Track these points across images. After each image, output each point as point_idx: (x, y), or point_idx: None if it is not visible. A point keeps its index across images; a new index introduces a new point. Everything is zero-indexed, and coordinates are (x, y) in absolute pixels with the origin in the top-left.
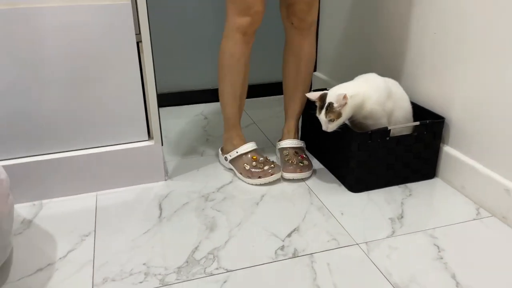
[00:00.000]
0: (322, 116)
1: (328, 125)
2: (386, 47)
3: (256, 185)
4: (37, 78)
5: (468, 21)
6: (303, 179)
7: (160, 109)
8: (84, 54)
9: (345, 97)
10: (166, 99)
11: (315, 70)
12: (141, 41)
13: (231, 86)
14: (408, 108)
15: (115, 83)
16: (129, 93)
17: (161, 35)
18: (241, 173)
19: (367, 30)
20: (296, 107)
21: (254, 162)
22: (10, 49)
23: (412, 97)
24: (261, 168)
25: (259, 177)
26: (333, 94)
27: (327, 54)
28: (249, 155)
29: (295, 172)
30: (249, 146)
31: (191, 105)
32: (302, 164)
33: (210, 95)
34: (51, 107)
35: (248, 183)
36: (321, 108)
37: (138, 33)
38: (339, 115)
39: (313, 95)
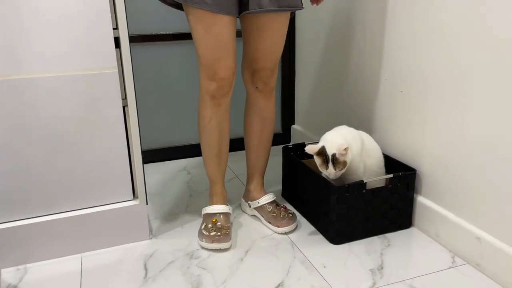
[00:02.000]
0: (330, 169)
1: (336, 174)
2: (359, 102)
3: (203, 248)
4: (25, 142)
5: (430, 79)
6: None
7: (144, 165)
8: (72, 119)
9: (346, 148)
10: (150, 156)
11: (293, 123)
12: (127, 106)
13: (207, 145)
14: (380, 159)
15: (102, 146)
16: (115, 154)
17: (145, 95)
18: (198, 231)
19: (341, 86)
20: (263, 165)
21: (210, 225)
22: (2, 115)
23: (385, 150)
24: (208, 233)
25: (204, 241)
26: (333, 146)
27: (303, 107)
28: (212, 217)
29: (289, 224)
30: (221, 208)
31: (174, 160)
32: (291, 215)
33: (193, 150)
34: (38, 171)
35: (198, 243)
36: (326, 162)
37: (124, 98)
38: (345, 163)
39: (312, 150)
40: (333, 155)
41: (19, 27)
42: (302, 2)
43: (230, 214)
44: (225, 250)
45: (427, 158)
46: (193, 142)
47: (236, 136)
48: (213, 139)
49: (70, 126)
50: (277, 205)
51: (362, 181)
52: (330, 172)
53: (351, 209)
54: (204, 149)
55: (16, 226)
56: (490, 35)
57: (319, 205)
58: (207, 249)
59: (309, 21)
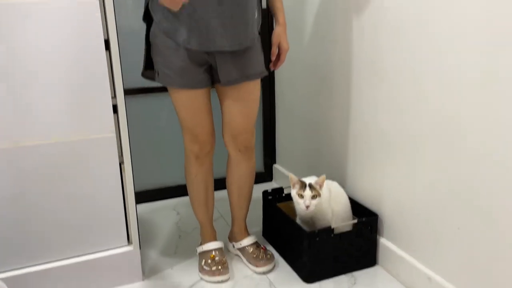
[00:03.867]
0: (307, 192)
1: (311, 201)
2: (331, 149)
3: (206, 281)
4: (26, 197)
5: (389, 136)
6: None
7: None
8: (71, 175)
9: (323, 178)
10: (140, 197)
11: (275, 163)
12: (123, 162)
13: (195, 196)
14: (346, 204)
15: (99, 196)
16: (111, 204)
17: (136, 139)
18: (199, 267)
19: (315, 133)
20: (244, 211)
21: (209, 260)
22: (6, 179)
23: (352, 194)
24: (209, 268)
25: (207, 275)
26: (311, 179)
27: (283, 148)
28: (209, 253)
29: (266, 264)
30: (214, 245)
31: (164, 200)
32: (269, 256)
33: (181, 190)
34: (37, 221)
35: (201, 278)
36: (303, 188)
37: (121, 155)
38: (319, 193)
39: (293, 178)
40: (310, 183)
41: (26, 99)
42: (271, 72)
43: (223, 247)
44: (226, 281)
45: (387, 203)
46: (181, 183)
47: (219, 176)
48: (200, 191)
49: (69, 181)
50: (258, 246)
51: (330, 226)
52: (306, 197)
53: (321, 252)
54: (192, 199)
55: (12, 276)
56: (433, 107)
57: (294, 248)
58: (211, 282)
59: (287, 72)
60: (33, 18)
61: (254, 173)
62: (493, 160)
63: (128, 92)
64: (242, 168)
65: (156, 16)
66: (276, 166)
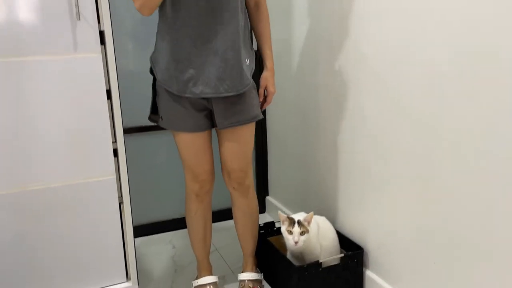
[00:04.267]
0: (296, 229)
1: (299, 237)
2: (321, 186)
3: None
4: (28, 234)
5: (372, 177)
6: None
7: None
8: (72, 215)
9: (311, 215)
10: (137, 230)
11: (267, 195)
12: (122, 202)
13: (194, 232)
14: (334, 239)
15: (98, 236)
16: (111, 242)
17: (134, 175)
18: None
19: (306, 169)
20: (250, 247)
21: None
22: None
23: (340, 228)
24: None
25: None
26: (300, 215)
27: (276, 180)
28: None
29: None
30: (209, 279)
31: (160, 234)
32: None
33: (177, 224)
34: (38, 262)
35: None
36: (292, 224)
37: (120, 196)
38: (307, 230)
39: (283, 216)
40: (299, 220)
41: (31, 145)
42: (263, 111)
43: (217, 282)
44: None
45: (372, 237)
46: (177, 216)
47: (215, 209)
48: (199, 227)
49: (71, 221)
50: (253, 284)
51: (318, 261)
52: (294, 234)
53: (310, 286)
54: (191, 234)
55: None
56: (408, 149)
57: (284, 281)
58: None
59: (278, 108)
60: (40, 72)
61: (255, 211)
62: (467, 196)
63: (125, 131)
64: (240, 205)
65: (156, 68)
66: (268, 198)
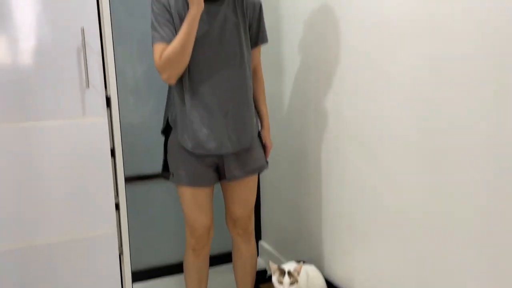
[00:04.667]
0: (286, 279)
1: (289, 287)
2: (309, 233)
3: None
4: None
5: (359, 226)
6: None
7: None
8: (74, 268)
9: (300, 266)
10: (134, 276)
11: (260, 239)
12: (122, 253)
13: (188, 280)
14: (323, 287)
15: (96, 286)
16: None
17: (132, 222)
18: None
19: (297, 215)
20: None
21: None
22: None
23: (328, 276)
24: None
25: None
26: (290, 266)
27: (269, 226)
28: None
29: None
30: None
31: (158, 279)
32: None
33: (173, 269)
34: None
35: None
36: (282, 275)
37: (120, 246)
38: (296, 280)
39: (274, 266)
40: (289, 271)
41: (37, 201)
42: (267, 161)
43: None
44: None
45: (358, 284)
46: (173, 262)
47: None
48: (195, 280)
49: (71, 273)
50: None
51: None
52: (285, 284)
53: None
54: (186, 282)
55: None
56: (386, 202)
57: None
58: None
59: (271, 158)
60: (49, 135)
61: (255, 256)
62: (453, 244)
63: (128, 179)
64: (243, 250)
65: (176, 129)
66: (261, 243)
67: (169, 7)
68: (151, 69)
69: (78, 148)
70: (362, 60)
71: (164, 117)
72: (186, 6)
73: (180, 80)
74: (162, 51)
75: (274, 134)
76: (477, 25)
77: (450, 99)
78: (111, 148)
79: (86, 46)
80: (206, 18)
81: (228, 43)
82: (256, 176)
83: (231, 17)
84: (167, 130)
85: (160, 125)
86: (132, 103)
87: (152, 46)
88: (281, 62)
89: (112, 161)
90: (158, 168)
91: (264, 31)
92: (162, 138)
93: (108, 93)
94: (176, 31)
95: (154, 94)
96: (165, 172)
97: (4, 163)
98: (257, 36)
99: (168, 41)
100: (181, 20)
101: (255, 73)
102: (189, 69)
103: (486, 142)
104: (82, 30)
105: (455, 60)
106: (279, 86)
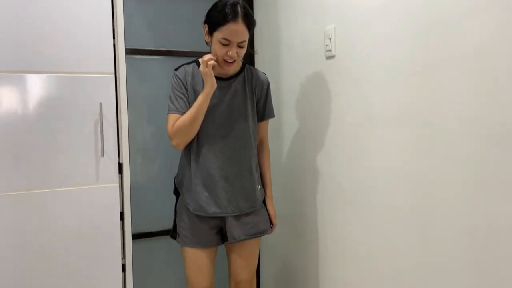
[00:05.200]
0: None
1: None
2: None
3: None
4: None
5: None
6: None
7: None
8: None
9: None
10: None
11: None
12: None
13: None
14: None
15: None
16: None
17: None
18: None
19: (295, 282)
20: None
21: None
22: None
23: None
24: None
25: None
26: None
27: (267, 286)
28: None
29: None
30: None
31: None
32: None
33: None
34: None
35: None
36: None
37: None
38: None
39: None
40: None
41: (49, 271)
42: (271, 225)
43: None
44: None
45: None
46: None
47: None
48: None
49: None
50: None
51: None
52: None
53: None
54: None
55: None
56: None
57: None
58: None
59: None
60: (63, 200)
61: None
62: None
63: (135, 236)
64: None
65: (180, 189)
66: None
67: (186, 83)
68: (159, 131)
69: (88, 212)
70: (356, 132)
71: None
72: (202, 82)
73: (189, 144)
74: (175, 121)
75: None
76: (462, 123)
77: (438, 175)
78: (120, 211)
79: (103, 118)
80: (218, 92)
81: (235, 115)
82: (258, 240)
83: (241, 92)
84: (177, 191)
85: (166, 184)
86: (139, 162)
87: (167, 115)
88: (280, 128)
89: (121, 224)
90: (163, 225)
91: (270, 107)
92: (168, 197)
93: (120, 159)
94: (189, 103)
95: (160, 154)
96: (174, 232)
97: (18, 226)
98: (264, 111)
99: (181, 112)
100: (196, 94)
101: (262, 143)
102: (197, 135)
103: (472, 219)
104: (101, 105)
105: (441, 143)
106: (278, 148)
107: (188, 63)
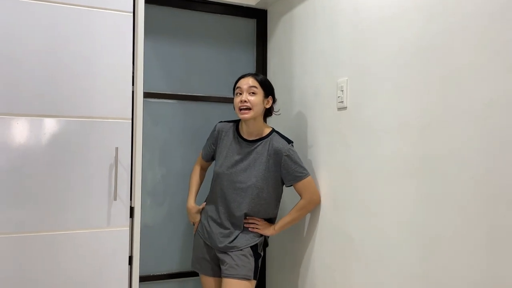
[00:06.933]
0: None
1: None
2: None
3: None
4: None
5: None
6: None
7: None
8: None
9: None
10: None
11: None
12: None
13: None
14: None
15: None
16: None
17: None
18: None
19: None
20: None
21: None
22: None
23: None
24: None
25: None
26: None
27: None
28: None
29: None
30: None
31: None
32: None
33: None
34: None
35: None
36: None
37: None
38: None
39: None
40: None
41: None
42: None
43: None
44: None
45: None
46: None
47: None
48: None
49: None
50: None
51: None
52: None
53: None
54: None
55: None
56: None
57: None
58: None
59: (275, 268)
60: (74, 242)
61: None
62: None
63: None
64: None
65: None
66: None
67: (218, 138)
68: (169, 173)
69: (97, 256)
70: (366, 184)
71: None
72: (229, 142)
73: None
74: (199, 160)
75: (281, 240)
76: (469, 168)
77: (445, 229)
78: (129, 255)
79: (118, 162)
80: (241, 150)
81: (251, 173)
82: (245, 285)
83: (261, 156)
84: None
85: (173, 226)
86: (148, 204)
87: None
88: None
89: (129, 269)
90: (171, 267)
91: (291, 172)
92: (175, 239)
93: (132, 203)
94: (214, 152)
95: (169, 196)
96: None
97: (31, 268)
98: (287, 176)
99: (204, 157)
100: (219, 148)
101: (305, 198)
102: (216, 176)
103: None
104: (117, 150)
105: (451, 195)
106: (288, 197)
107: (234, 121)
